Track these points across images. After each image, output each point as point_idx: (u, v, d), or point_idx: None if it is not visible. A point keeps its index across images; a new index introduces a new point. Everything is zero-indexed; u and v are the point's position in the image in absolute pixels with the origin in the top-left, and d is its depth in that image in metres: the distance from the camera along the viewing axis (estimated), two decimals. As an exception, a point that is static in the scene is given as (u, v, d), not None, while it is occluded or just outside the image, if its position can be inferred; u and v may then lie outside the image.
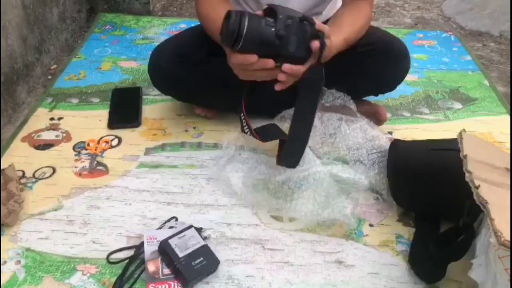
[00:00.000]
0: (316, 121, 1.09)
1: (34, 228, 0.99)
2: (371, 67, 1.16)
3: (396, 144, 1.09)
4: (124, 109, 1.34)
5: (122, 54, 1.64)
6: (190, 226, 0.94)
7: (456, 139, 0.89)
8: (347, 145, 1.10)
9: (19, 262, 0.92)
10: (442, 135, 1.10)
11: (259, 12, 0.91)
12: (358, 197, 1.07)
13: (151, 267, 0.88)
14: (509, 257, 0.70)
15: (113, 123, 1.29)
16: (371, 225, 1.03)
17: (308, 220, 1.00)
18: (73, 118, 1.32)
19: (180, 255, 0.88)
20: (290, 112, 1.13)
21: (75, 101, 1.39)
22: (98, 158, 1.18)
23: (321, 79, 0.92)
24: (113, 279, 0.88)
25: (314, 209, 0.99)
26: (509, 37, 1.87)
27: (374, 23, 1.73)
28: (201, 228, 0.97)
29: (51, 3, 1.57)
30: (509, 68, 1.67)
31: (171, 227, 0.97)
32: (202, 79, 1.16)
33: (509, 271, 0.70)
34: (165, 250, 0.89)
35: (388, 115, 1.34)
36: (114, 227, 1.00)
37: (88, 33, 1.78)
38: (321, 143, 1.13)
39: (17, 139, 1.23)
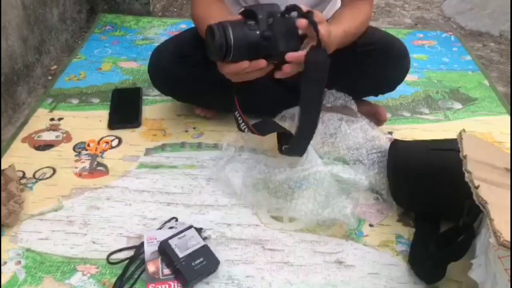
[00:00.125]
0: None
1: (34, 229, 0.99)
2: (371, 67, 1.16)
3: (396, 144, 1.09)
4: (124, 109, 1.34)
5: (122, 54, 1.64)
6: (190, 227, 0.94)
7: (456, 139, 0.89)
8: (347, 144, 1.10)
9: (19, 262, 0.92)
10: (442, 135, 1.11)
11: (238, 17, 0.91)
12: (358, 197, 1.07)
13: (151, 267, 0.88)
14: (509, 257, 0.70)
15: (113, 124, 1.29)
16: (371, 225, 1.03)
17: (308, 219, 1.00)
18: (73, 118, 1.32)
19: (180, 255, 0.88)
20: (290, 111, 1.14)
21: (75, 101, 1.39)
22: (98, 159, 1.18)
23: (326, 60, 0.88)
24: (113, 280, 0.88)
25: (314, 209, 0.99)
26: (509, 37, 1.87)
27: (374, 23, 1.74)
28: (201, 229, 0.97)
29: (51, 3, 1.58)
30: (509, 68, 1.67)
31: (171, 228, 0.97)
32: (202, 79, 1.16)
33: (509, 271, 0.70)
34: (165, 251, 0.89)
35: (388, 115, 1.34)
36: (114, 227, 1.00)
37: (88, 33, 1.78)
38: (322, 143, 1.13)
39: (17, 140, 1.23)
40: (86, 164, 1.16)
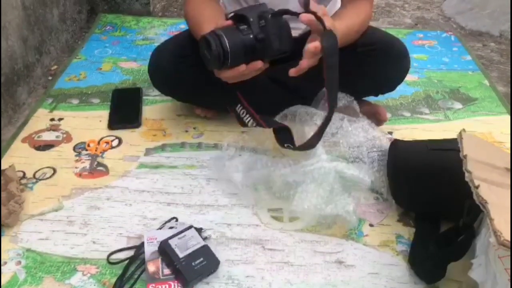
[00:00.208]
0: (318, 121, 1.09)
1: (34, 229, 0.99)
2: (371, 67, 1.16)
3: (396, 144, 1.09)
4: (124, 109, 1.34)
5: (122, 54, 1.64)
6: (190, 227, 0.94)
7: (456, 139, 0.89)
8: (348, 142, 1.10)
9: (19, 262, 0.92)
10: (442, 135, 1.10)
11: (229, 22, 0.91)
12: (359, 196, 1.07)
13: (151, 267, 0.88)
14: (509, 257, 0.70)
15: (113, 124, 1.29)
16: (371, 225, 1.03)
17: (311, 215, 0.99)
18: (74, 118, 1.32)
19: (180, 255, 0.88)
20: (292, 110, 1.13)
21: (75, 101, 1.39)
22: (99, 159, 1.18)
23: (336, 41, 0.89)
24: (113, 280, 0.88)
25: (317, 203, 0.98)
26: (509, 37, 1.87)
27: (374, 23, 1.74)
28: (201, 229, 0.97)
29: (51, 4, 1.58)
30: (509, 68, 1.67)
31: (171, 228, 0.97)
32: (202, 79, 1.16)
33: (509, 271, 0.70)
34: (165, 251, 0.89)
35: (388, 115, 1.34)
36: (114, 227, 1.00)
37: (88, 34, 1.78)
38: (323, 142, 1.13)
39: (17, 140, 1.23)
40: (86, 164, 1.16)
